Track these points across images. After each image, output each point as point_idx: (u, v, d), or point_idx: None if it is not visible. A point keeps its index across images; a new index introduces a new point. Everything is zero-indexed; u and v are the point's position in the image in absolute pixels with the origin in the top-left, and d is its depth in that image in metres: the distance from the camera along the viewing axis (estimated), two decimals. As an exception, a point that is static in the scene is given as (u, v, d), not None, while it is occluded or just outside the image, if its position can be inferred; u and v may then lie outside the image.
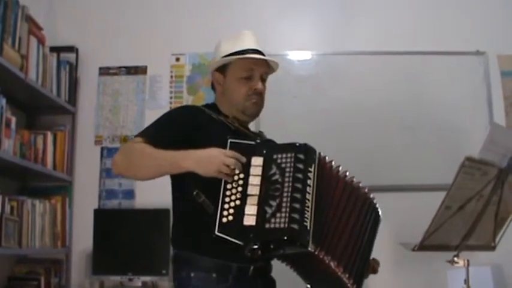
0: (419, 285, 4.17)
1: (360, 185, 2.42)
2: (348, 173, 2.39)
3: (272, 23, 4.62)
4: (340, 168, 2.37)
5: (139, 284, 4.07)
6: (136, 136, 2.48)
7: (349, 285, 2.30)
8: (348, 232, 2.34)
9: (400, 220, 3.75)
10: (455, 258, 2.69)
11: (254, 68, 2.59)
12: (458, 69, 4.54)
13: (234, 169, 2.22)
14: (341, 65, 4.57)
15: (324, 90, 4.53)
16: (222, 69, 2.64)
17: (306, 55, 4.62)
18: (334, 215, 2.32)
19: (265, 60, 2.62)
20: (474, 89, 4.50)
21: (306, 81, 4.56)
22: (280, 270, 2.57)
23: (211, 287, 2.36)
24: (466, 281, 2.71)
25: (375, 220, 2.47)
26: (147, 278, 4.10)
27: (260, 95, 2.60)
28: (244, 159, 2.24)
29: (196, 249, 2.38)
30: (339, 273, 2.27)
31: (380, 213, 2.48)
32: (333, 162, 2.36)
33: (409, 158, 4.37)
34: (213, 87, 2.74)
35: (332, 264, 2.25)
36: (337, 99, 4.50)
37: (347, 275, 2.29)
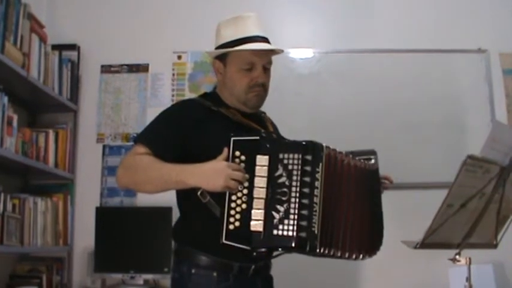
0: (421, 283, 4.16)
1: (366, 163, 2.48)
2: (354, 159, 2.42)
3: (274, 21, 4.61)
4: (345, 155, 2.37)
5: (141, 281, 4.07)
6: (136, 142, 2.45)
7: (361, 257, 2.39)
8: (359, 217, 2.39)
9: (402, 218, 3.75)
10: (457, 256, 2.68)
11: (256, 59, 2.49)
12: (460, 67, 4.54)
13: (241, 182, 2.19)
14: (343, 62, 4.57)
15: (326, 88, 4.54)
16: (222, 57, 2.55)
17: (308, 53, 4.62)
18: (345, 208, 2.33)
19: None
20: (476, 87, 4.50)
21: (308, 79, 4.57)
22: (278, 267, 2.58)
23: (212, 286, 2.36)
24: (468, 279, 2.70)
25: (376, 181, 2.55)
26: (149, 276, 4.11)
27: (263, 86, 2.51)
28: (247, 176, 2.20)
29: (199, 247, 2.37)
30: (354, 259, 2.35)
31: (374, 163, 2.53)
32: (338, 151, 2.34)
33: (410, 155, 4.37)
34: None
35: (343, 255, 2.29)
36: (338, 97, 4.51)
37: (363, 254, 2.38)
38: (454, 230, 2.61)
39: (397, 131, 4.44)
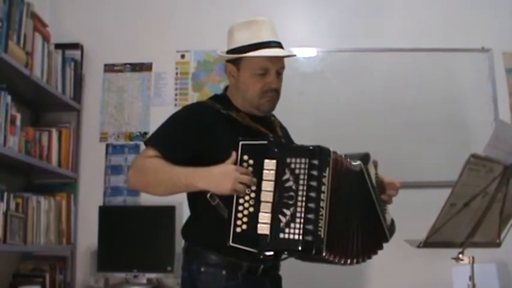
0: (424, 282, 4.16)
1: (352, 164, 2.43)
2: (359, 165, 2.40)
3: (277, 19, 4.56)
4: (351, 163, 2.37)
5: (144, 281, 4.08)
6: (146, 144, 2.48)
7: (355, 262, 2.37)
8: (358, 223, 2.38)
9: (404, 217, 3.74)
10: (460, 255, 2.68)
11: (269, 65, 2.48)
12: (463, 66, 4.53)
13: (248, 186, 2.21)
14: (346, 61, 4.57)
15: (329, 87, 4.53)
16: (235, 60, 2.53)
17: (311, 52, 4.61)
18: (348, 213, 2.34)
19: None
20: (479, 86, 4.50)
21: (311, 78, 4.56)
22: (287, 268, 2.58)
23: (220, 283, 2.38)
24: (471, 278, 2.70)
25: (363, 183, 2.46)
26: (152, 275, 4.11)
27: (276, 91, 2.51)
28: (255, 180, 2.22)
29: (208, 247, 2.39)
30: (346, 264, 2.33)
31: (357, 165, 2.43)
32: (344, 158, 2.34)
33: (414, 154, 4.36)
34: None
35: (341, 260, 2.28)
36: (342, 96, 4.50)
37: (356, 260, 2.36)
38: (457, 229, 2.61)
39: (401, 130, 4.43)
